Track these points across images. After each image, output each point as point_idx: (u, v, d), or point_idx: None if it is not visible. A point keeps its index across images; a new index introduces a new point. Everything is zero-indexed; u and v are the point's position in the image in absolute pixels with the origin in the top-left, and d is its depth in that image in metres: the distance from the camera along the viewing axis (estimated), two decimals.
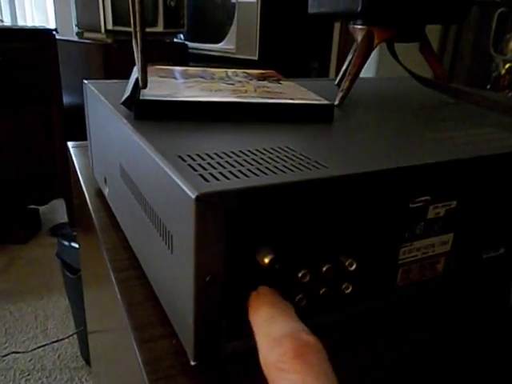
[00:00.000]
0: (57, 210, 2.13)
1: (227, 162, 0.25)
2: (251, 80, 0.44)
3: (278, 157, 0.26)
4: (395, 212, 0.27)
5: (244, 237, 0.23)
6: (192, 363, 0.24)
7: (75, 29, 1.92)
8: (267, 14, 1.72)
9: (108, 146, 0.39)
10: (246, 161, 0.25)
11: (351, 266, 0.26)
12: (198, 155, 0.26)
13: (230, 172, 0.23)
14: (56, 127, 1.85)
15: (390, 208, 0.27)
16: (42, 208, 2.05)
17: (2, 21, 2.18)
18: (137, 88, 0.34)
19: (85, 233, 0.58)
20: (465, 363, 0.28)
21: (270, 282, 0.24)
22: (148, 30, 1.82)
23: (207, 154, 0.26)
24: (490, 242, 0.33)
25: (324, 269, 0.26)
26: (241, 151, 0.27)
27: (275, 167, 0.25)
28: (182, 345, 0.26)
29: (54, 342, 1.35)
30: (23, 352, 1.31)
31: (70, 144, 0.62)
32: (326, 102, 0.36)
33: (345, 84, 0.42)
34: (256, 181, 0.23)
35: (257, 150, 0.27)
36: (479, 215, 0.31)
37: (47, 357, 1.31)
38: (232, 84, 0.41)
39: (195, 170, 0.23)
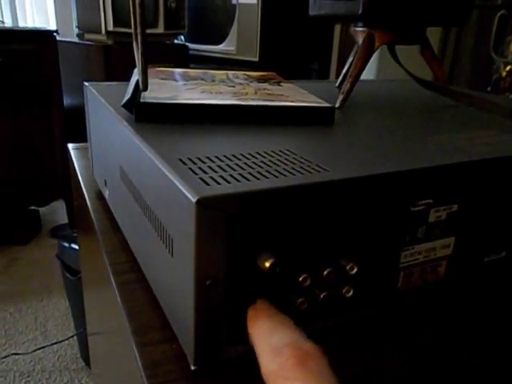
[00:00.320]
0: (57, 212, 2.13)
1: (228, 165, 0.25)
2: (252, 82, 0.44)
3: (278, 160, 0.26)
4: (396, 215, 0.27)
5: (245, 241, 0.23)
6: (192, 368, 0.24)
7: (76, 30, 1.92)
8: (268, 15, 1.72)
9: (108, 148, 0.39)
10: (246, 164, 0.25)
11: (352, 269, 0.26)
12: (199, 158, 0.26)
13: (231, 175, 0.23)
14: (56, 128, 1.85)
15: (392, 211, 0.27)
16: (42, 209, 2.05)
17: (2, 22, 2.18)
18: (137, 90, 0.34)
19: (85, 235, 0.57)
20: (467, 368, 0.27)
21: (271, 287, 0.24)
22: (148, 31, 1.81)
23: (208, 158, 0.26)
24: (492, 246, 0.33)
25: (325, 273, 0.26)
26: (242, 154, 0.27)
27: (276, 171, 0.24)
28: (183, 349, 0.25)
29: (53, 343, 1.34)
30: (23, 354, 1.31)
31: (70, 146, 0.62)
32: (326, 104, 0.36)
33: (346, 86, 0.42)
34: (257, 184, 0.22)
35: (258, 153, 0.27)
36: (481, 218, 0.31)
37: (47, 358, 1.31)
38: (233, 86, 0.41)
39: (196, 174, 0.23)
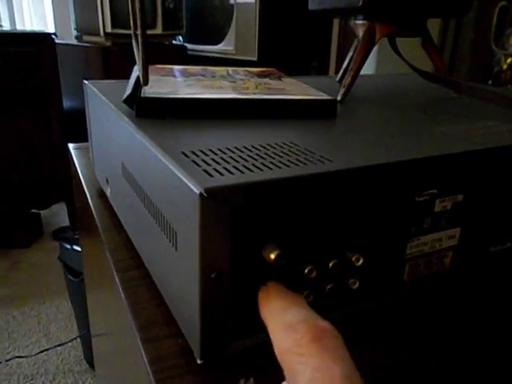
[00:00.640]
0: (58, 214, 2.12)
1: (231, 157, 0.25)
2: (252, 77, 0.44)
3: (282, 152, 0.26)
4: (402, 206, 0.27)
5: (250, 232, 0.22)
6: (198, 362, 0.24)
7: (74, 32, 1.92)
8: (266, 14, 1.72)
9: (109, 146, 0.39)
10: (250, 156, 0.25)
11: (358, 261, 0.26)
12: (202, 151, 0.26)
13: (235, 167, 0.23)
14: (56, 131, 1.85)
15: (397, 202, 0.27)
16: (43, 212, 2.05)
17: (0, 25, 2.18)
18: (138, 86, 0.33)
19: (87, 234, 0.57)
20: (473, 359, 0.27)
21: (277, 278, 0.24)
22: (147, 32, 1.81)
23: (211, 150, 0.26)
24: (498, 236, 0.32)
25: (331, 264, 0.25)
26: (244, 147, 0.27)
27: (280, 162, 0.24)
28: (188, 344, 0.25)
29: (57, 345, 1.34)
30: (26, 356, 1.31)
31: (70, 146, 0.61)
32: (328, 97, 0.36)
33: (346, 80, 0.42)
34: (261, 175, 0.22)
35: (261, 146, 0.27)
36: (486, 208, 0.31)
37: (50, 361, 1.31)
38: (233, 82, 0.41)
39: (199, 166, 0.23)
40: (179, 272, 0.25)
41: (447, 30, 1.26)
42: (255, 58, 1.76)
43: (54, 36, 1.79)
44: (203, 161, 0.24)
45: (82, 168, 0.55)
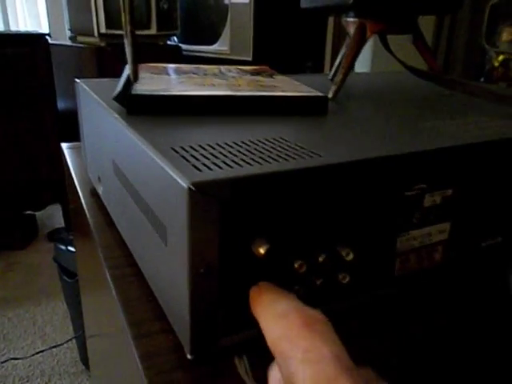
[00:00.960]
0: (53, 216, 2.12)
1: (221, 152, 0.25)
2: (244, 75, 0.44)
3: (272, 147, 0.26)
4: (391, 201, 0.27)
5: (239, 227, 0.22)
6: (189, 357, 0.24)
7: (68, 33, 1.92)
8: (260, 14, 1.72)
9: (101, 144, 0.39)
10: (239, 151, 0.25)
11: (348, 255, 0.26)
12: (191, 147, 0.26)
13: (224, 162, 0.23)
14: (50, 132, 1.85)
15: (386, 197, 0.27)
16: (38, 214, 2.04)
17: None
18: (129, 83, 0.33)
19: (80, 234, 0.57)
20: (464, 352, 0.27)
21: (267, 273, 0.24)
22: (141, 32, 1.81)
23: (200, 146, 0.26)
24: (487, 231, 0.33)
25: (321, 259, 0.25)
26: (234, 142, 0.27)
27: (269, 157, 0.24)
28: (179, 339, 0.25)
29: (52, 347, 1.34)
30: (22, 358, 1.30)
31: (64, 145, 0.61)
32: (319, 94, 0.36)
33: (338, 77, 0.42)
34: (250, 170, 0.22)
35: (250, 141, 0.27)
36: (476, 203, 0.31)
37: (46, 362, 1.30)
38: (225, 79, 0.41)
39: (188, 161, 0.23)
40: (169, 268, 0.25)
41: (441, 29, 1.27)
42: (250, 58, 1.76)
43: (47, 37, 1.79)
44: (193, 156, 0.24)
45: (75, 167, 0.55)
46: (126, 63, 0.35)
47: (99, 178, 0.42)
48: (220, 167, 0.22)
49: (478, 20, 0.96)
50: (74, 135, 0.65)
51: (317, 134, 0.30)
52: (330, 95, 0.42)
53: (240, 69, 0.48)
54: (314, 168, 0.23)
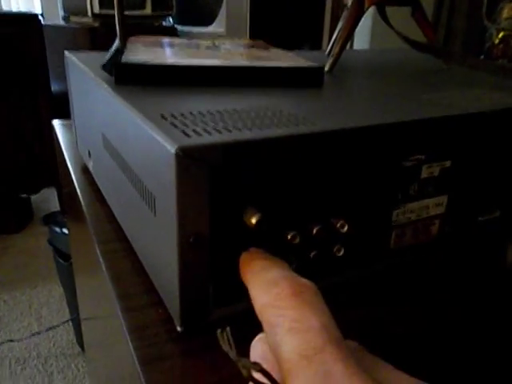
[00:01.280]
0: (49, 200, 2.10)
1: (211, 119, 0.24)
2: (238, 48, 0.43)
3: (264, 115, 0.25)
4: (388, 171, 0.26)
5: (230, 196, 0.22)
6: (178, 329, 0.23)
7: (61, 13, 1.88)
8: None
9: (90, 117, 0.38)
10: (231, 119, 0.24)
11: (343, 227, 0.25)
12: (182, 114, 0.25)
13: (214, 128, 0.22)
14: (44, 114, 1.82)
15: (383, 167, 0.26)
16: (33, 197, 2.03)
17: None
18: (118, 52, 0.32)
19: (72, 213, 0.56)
20: (460, 328, 0.27)
21: (258, 244, 0.23)
22: (136, 13, 1.78)
23: (191, 113, 0.25)
24: (485, 205, 0.32)
25: (314, 230, 0.25)
26: (226, 110, 0.26)
27: (262, 124, 0.23)
28: (169, 313, 0.25)
29: (48, 329, 1.34)
30: (18, 340, 1.30)
31: (55, 122, 0.60)
32: (315, 64, 0.35)
33: (335, 49, 0.41)
34: (241, 135, 0.21)
35: (243, 110, 0.26)
36: (474, 176, 0.30)
37: (42, 344, 1.31)
38: (218, 51, 0.39)
39: (177, 127, 0.22)
40: (158, 238, 0.24)
41: (442, 9, 1.24)
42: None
43: (40, 17, 1.75)
44: (182, 123, 0.23)
45: (66, 144, 0.54)
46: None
47: (89, 153, 0.41)
48: (209, 133, 0.21)
49: None
50: (68, 117, 0.64)
51: (311, 104, 0.29)
52: (326, 68, 0.40)
53: (234, 42, 0.47)
54: (308, 135, 0.23)
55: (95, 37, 1.71)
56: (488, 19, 0.70)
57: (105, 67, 0.31)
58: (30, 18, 1.74)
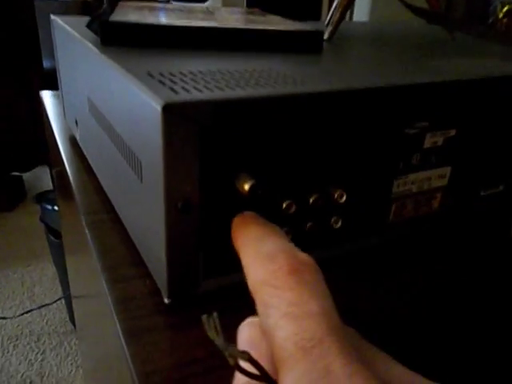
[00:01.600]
0: (42, 178, 2.08)
1: (202, 78, 0.22)
2: (234, 14, 0.40)
3: (259, 76, 0.24)
4: (389, 138, 0.25)
5: (221, 159, 0.20)
6: (166, 301, 0.22)
7: None
8: None
9: (76, 83, 0.36)
10: (223, 78, 0.23)
11: (341, 197, 0.24)
12: (171, 73, 0.23)
13: (205, 87, 0.21)
14: (36, 91, 1.78)
15: (384, 133, 0.24)
16: (26, 176, 2.00)
17: None
18: (104, 11, 0.30)
19: (61, 187, 0.55)
20: (463, 303, 0.26)
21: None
22: None
23: (181, 72, 0.23)
24: (489, 178, 0.31)
25: (311, 200, 0.23)
26: (219, 70, 0.24)
27: (256, 83, 0.22)
28: (157, 285, 0.23)
29: (40, 306, 1.33)
30: (11, 318, 1.29)
31: (43, 93, 0.58)
32: (313, 28, 0.33)
33: (334, 17, 0.39)
34: (233, 93, 0.20)
35: (236, 71, 0.24)
36: (479, 148, 0.29)
37: (35, 322, 1.30)
38: (212, 15, 0.37)
39: (164, 85, 0.21)
40: (145, 206, 0.23)
41: None
42: None
43: None
44: (171, 80, 0.21)
45: (55, 116, 0.52)
46: None
47: (76, 122, 0.39)
48: (200, 91, 0.20)
49: None
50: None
51: (310, 68, 0.27)
52: (325, 36, 0.39)
53: (229, 9, 0.44)
54: (307, 94, 0.21)
55: (87, 10, 1.67)
56: None
57: (90, 26, 0.29)
58: None
